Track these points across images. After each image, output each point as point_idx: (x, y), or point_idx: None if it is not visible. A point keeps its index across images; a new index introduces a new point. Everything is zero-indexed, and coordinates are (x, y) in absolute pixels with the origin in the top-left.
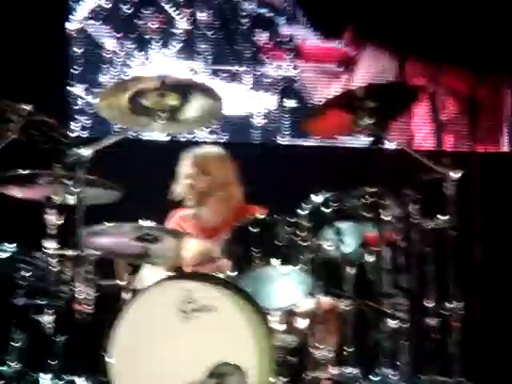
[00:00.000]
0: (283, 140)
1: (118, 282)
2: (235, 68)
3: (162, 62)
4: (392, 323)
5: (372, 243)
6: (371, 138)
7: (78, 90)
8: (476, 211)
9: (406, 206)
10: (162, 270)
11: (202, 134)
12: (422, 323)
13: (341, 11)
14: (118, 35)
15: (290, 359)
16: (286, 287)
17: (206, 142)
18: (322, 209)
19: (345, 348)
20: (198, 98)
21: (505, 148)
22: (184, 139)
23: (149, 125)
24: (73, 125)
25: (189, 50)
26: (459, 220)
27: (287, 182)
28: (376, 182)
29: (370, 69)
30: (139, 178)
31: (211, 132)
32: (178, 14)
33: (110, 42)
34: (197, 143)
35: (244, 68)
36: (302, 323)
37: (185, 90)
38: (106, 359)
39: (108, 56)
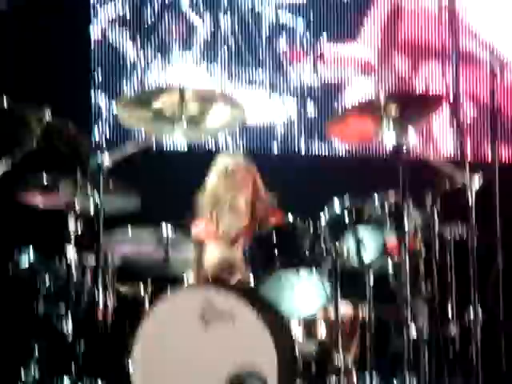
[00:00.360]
0: (304, 147)
1: (139, 289)
2: (256, 74)
3: (183, 69)
4: (413, 331)
5: (393, 251)
6: (393, 145)
7: (99, 97)
8: (497, 219)
9: (427, 213)
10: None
11: (223, 142)
12: (442, 331)
13: None
14: (140, 41)
15: (311, 367)
16: (307, 294)
17: (227, 151)
18: (343, 216)
19: (365, 355)
20: (220, 106)
21: None
22: (205, 147)
23: (170, 133)
24: (94, 132)
25: (210, 56)
26: (480, 228)
27: (309, 189)
28: (397, 189)
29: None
30: (160, 186)
31: (232, 140)
32: (200, 20)
33: (131, 49)
34: (218, 151)
35: (265, 74)
36: (322, 330)
37: (206, 98)
38: (127, 366)
39: (130, 62)
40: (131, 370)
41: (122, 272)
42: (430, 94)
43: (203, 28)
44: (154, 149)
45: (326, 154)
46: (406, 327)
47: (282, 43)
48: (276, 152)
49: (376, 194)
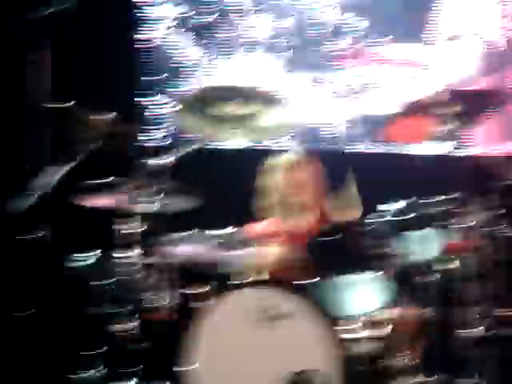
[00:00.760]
0: (366, 146)
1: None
2: (314, 75)
3: (243, 70)
4: (475, 332)
5: (455, 250)
6: (455, 143)
7: (158, 98)
8: None
9: (488, 212)
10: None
11: (280, 142)
12: (508, 331)
13: None
14: (200, 43)
15: (370, 368)
16: (365, 295)
17: (284, 150)
18: (406, 215)
19: (429, 356)
20: (276, 106)
21: None
22: (262, 147)
23: (226, 133)
24: (154, 134)
25: (267, 56)
26: None
27: (367, 190)
28: (456, 188)
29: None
30: (218, 186)
31: (289, 140)
32: (261, 21)
33: (191, 50)
34: (275, 151)
35: (323, 75)
36: (382, 331)
37: (261, 98)
38: (187, 366)
39: (188, 63)
40: (191, 370)
41: (184, 272)
42: (492, 90)
43: (265, 30)
44: (211, 148)
45: (388, 153)
46: (470, 327)
47: (344, 43)
48: (336, 151)
49: (435, 193)
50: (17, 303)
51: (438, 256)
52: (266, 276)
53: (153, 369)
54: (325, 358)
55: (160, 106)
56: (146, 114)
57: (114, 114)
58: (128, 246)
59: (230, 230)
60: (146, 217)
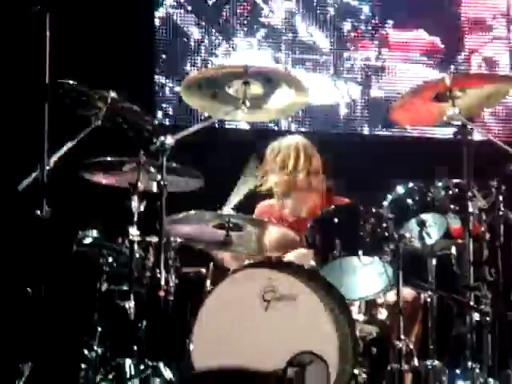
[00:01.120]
0: (367, 130)
1: (200, 269)
2: (320, 57)
3: (246, 51)
4: (476, 316)
5: (456, 235)
6: (457, 128)
7: (163, 78)
8: None
9: (491, 197)
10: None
11: (285, 124)
12: (506, 316)
13: None
14: (204, 24)
15: (372, 350)
16: (368, 277)
17: (289, 132)
18: (406, 199)
19: (428, 340)
20: (283, 87)
21: None
22: (268, 128)
23: (232, 113)
24: (157, 113)
25: (273, 38)
26: None
27: (371, 173)
28: (461, 172)
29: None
30: (222, 167)
31: (295, 121)
32: (264, 3)
33: (195, 31)
34: (280, 132)
35: (328, 57)
36: (383, 314)
37: (269, 78)
38: (188, 345)
39: (193, 44)
40: (192, 350)
41: (184, 252)
42: (498, 75)
43: (268, 12)
44: (216, 129)
45: (390, 136)
46: (469, 311)
47: (347, 25)
48: (338, 133)
49: (440, 177)
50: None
51: (439, 240)
52: (267, 257)
53: (152, 348)
54: (327, 340)
55: (167, 84)
56: (152, 91)
57: (117, 91)
58: (130, 224)
59: (230, 211)
60: (148, 195)
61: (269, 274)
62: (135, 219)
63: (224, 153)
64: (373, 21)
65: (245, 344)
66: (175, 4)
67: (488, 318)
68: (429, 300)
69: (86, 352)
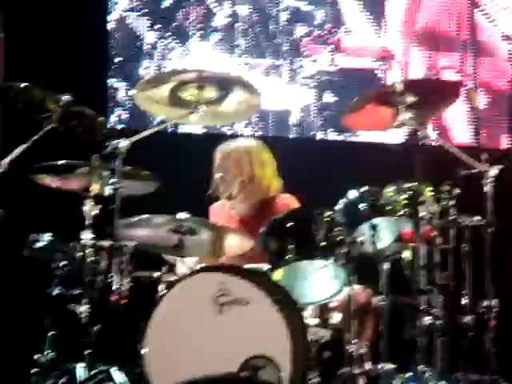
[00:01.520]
0: (320, 135)
1: (153, 273)
2: (273, 62)
3: (200, 55)
4: (427, 319)
5: (408, 239)
6: (409, 133)
7: (116, 81)
8: None
9: (443, 202)
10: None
11: (239, 128)
12: (457, 320)
13: None
14: (157, 27)
15: (324, 354)
16: (321, 281)
17: (242, 136)
18: (358, 204)
19: (379, 343)
20: (237, 91)
21: None
22: (221, 132)
23: (186, 117)
24: (111, 116)
25: (227, 43)
26: (496, 216)
27: (323, 177)
28: (413, 177)
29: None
30: (176, 171)
31: (248, 125)
32: (218, 7)
33: (149, 35)
34: (234, 136)
35: (282, 62)
36: (336, 318)
37: (223, 83)
38: (141, 349)
39: (147, 48)
40: (144, 355)
41: (137, 256)
42: (448, 81)
43: (222, 16)
44: (170, 133)
45: (342, 141)
46: (420, 315)
47: (300, 31)
48: (291, 138)
49: (392, 182)
50: None
51: (391, 244)
52: (220, 261)
53: (104, 352)
54: (280, 344)
55: (119, 89)
56: (105, 95)
57: (69, 95)
58: (83, 228)
59: (185, 214)
60: (101, 199)
61: (222, 278)
62: (88, 223)
63: (178, 156)
64: (326, 26)
65: (198, 348)
66: (129, 7)
67: (439, 322)
68: (381, 303)
69: (37, 356)
